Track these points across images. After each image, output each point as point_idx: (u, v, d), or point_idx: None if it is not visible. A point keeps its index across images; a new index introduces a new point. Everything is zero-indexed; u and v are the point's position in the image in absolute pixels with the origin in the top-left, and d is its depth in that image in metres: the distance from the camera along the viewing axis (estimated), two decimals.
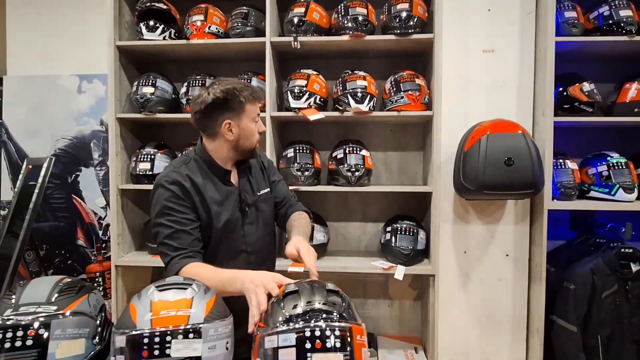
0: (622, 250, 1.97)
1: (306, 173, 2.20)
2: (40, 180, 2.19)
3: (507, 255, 2.21)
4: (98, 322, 0.96)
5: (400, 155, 2.52)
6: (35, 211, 2.17)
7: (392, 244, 2.17)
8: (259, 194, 1.47)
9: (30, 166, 2.44)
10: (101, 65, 2.68)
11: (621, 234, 2.02)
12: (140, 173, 2.28)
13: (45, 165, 2.21)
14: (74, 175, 2.71)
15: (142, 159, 2.30)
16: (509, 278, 2.21)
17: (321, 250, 2.28)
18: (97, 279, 2.53)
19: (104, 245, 2.66)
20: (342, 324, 0.78)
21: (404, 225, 2.20)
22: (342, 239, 2.56)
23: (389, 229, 2.23)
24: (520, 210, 2.20)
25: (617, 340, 1.99)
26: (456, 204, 2.23)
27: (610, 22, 2.07)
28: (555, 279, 2.16)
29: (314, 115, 2.12)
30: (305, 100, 2.18)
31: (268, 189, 1.52)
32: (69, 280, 0.99)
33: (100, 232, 2.69)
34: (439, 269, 2.10)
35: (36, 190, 2.14)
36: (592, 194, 2.16)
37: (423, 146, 2.48)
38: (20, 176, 2.40)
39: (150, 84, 2.29)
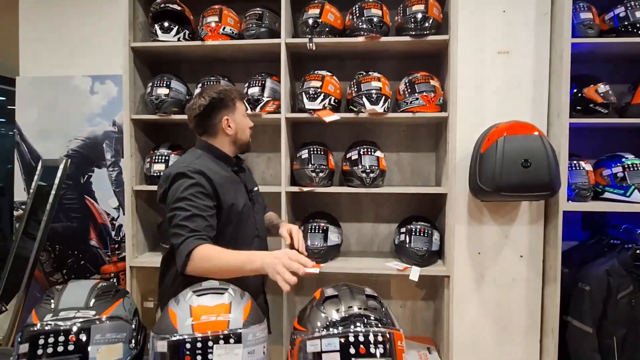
0: (638, 251, 1.97)
1: (321, 174, 2.20)
2: (56, 182, 2.19)
3: (521, 256, 2.22)
4: (133, 326, 0.97)
5: (413, 156, 2.52)
6: (52, 213, 2.17)
7: (407, 245, 2.17)
8: (254, 189, 1.67)
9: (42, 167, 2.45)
10: (113, 66, 2.70)
11: (637, 235, 2.02)
12: (155, 174, 2.29)
13: (61, 166, 2.21)
14: (86, 176, 2.71)
15: (156, 160, 2.31)
16: (523, 279, 2.22)
17: (335, 251, 2.28)
18: (111, 280, 2.54)
19: (117, 245, 2.67)
20: (386, 330, 0.79)
21: (419, 227, 2.20)
22: (355, 240, 2.57)
23: (403, 230, 2.24)
24: (535, 211, 2.21)
25: (632, 341, 2.00)
26: (470, 205, 2.24)
27: (626, 23, 2.07)
28: (568, 279, 2.16)
29: (329, 117, 2.12)
30: (320, 102, 2.19)
31: (257, 187, 1.73)
32: (104, 284, 1.00)
33: (113, 233, 2.70)
34: (454, 270, 2.11)
35: (53, 192, 2.15)
36: (607, 195, 2.16)
37: (435, 147, 2.48)
38: (35, 177, 2.40)
39: (164, 85, 2.30)
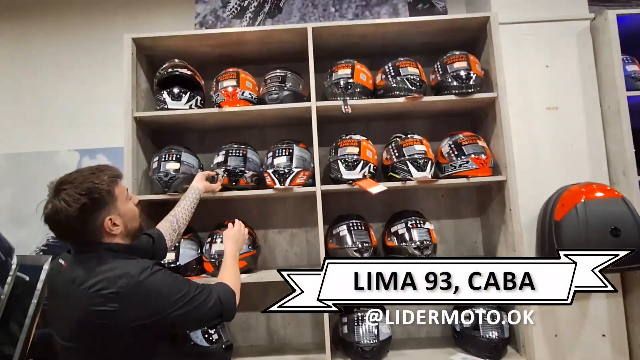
0: None
1: (365, 254, 1.88)
2: (39, 286, 1.74)
3: (603, 335, 1.92)
4: None
5: (455, 223, 2.26)
6: (33, 325, 1.69)
7: (474, 333, 1.83)
8: None
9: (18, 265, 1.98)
10: (104, 138, 2.38)
11: None
12: (165, 266, 1.88)
13: (45, 266, 1.77)
14: None
15: None
16: None
17: (387, 346, 1.90)
18: None
19: None
20: None
21: (485, 310, 1.87)
22: (399, 327, 2.19)
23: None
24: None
25: None
26: None
27: None
28: None
29: (375, 188, 1.83)
30: (360, 170, 1.91)
31: None
32: None
33: None
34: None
35: (34, 300, 1.68)
36: None
37: (480, 212, 2.23)
38: (9, 279, 1.92)
39: (174, 158, 1.96)
